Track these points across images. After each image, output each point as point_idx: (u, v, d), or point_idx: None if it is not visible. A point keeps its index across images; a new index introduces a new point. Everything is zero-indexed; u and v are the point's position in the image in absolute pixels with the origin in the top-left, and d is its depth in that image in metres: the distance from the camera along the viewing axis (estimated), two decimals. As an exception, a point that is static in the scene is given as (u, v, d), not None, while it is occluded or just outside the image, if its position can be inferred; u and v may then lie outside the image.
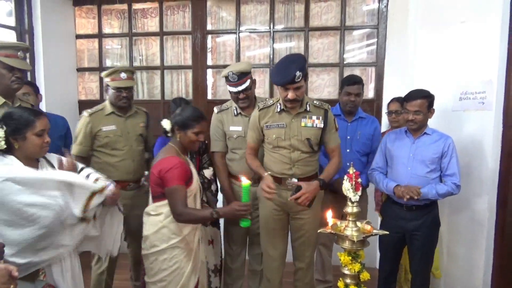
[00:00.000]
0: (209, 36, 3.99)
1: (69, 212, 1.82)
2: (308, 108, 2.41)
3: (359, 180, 1.79)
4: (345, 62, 3.77)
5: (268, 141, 2.45)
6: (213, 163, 2.76)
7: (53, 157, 2.01)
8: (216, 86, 4.12)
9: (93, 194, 1.88)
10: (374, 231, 1.81)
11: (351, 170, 1.80)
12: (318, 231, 1.89)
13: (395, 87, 3.43)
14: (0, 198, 1.66)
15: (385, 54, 3.62)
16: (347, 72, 3.68)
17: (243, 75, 2.58)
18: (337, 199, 2.62)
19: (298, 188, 2.29)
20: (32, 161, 1.86)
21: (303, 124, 2.40)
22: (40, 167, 1.90)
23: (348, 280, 1.78)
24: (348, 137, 2.88)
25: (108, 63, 4.18)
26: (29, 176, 1.73)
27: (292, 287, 2.70)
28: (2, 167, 1.74)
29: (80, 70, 4.19)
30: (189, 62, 4.02)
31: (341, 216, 1.94)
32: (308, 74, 2.36)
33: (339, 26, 3.72)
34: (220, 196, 2.83)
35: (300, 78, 2.23)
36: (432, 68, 3.08)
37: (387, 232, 1.87)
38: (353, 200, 1.77)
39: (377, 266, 2.81)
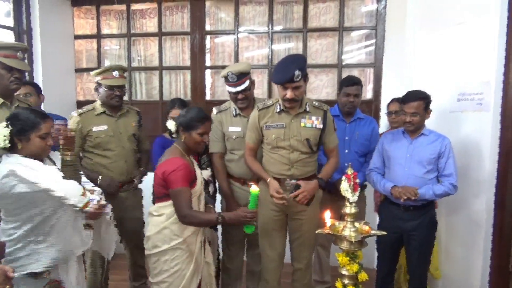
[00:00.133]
0: (208, 37, 3.99)
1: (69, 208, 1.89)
2: (307, 109, 2.42)
3: (357, 180, 1.80)
4: (343, 63, 3.78)
5: (268, 141, 2.45)
6: (212, 164, 2.75)
7: (57, 156, 2.08)
8: (215, 87, 4.12)
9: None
10: (372, 231, 1.81)
11: (350, 171, 1.80)
12: (316, 231, 1.89)
13: (393, 88, 3.44)
14: (5, 192, 1.76)
15: (383, 55, 3.63)
16: (345, 73, 3.69)
17: (242, 76, 2.58)
18: (335, 200, 2.63)
19: (297, 186, 2.34)
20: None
21: (302, 124, 2.41)
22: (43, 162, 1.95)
23: (346, 281, 1.79)
24: (347, 138, 2.89)
25: (106, 63, 4.17)
26: (28, 180, 1.78)
27: (290, 288, 2.71)
28: (6, 166, 1.79)
29: (79, 70, 4.19)
30: (187, 62, 4.02)
31: (340, 216, 1.95)
32: (308, 75, 2.37)
33: (338, 27, 3.73)
34: (218, 196, 2.83)
35: (299, 77, 2.24)
36: (430, 69, 3.09)
37: (385, 233, 1.88)
38: (351, 201, 1.78)
39: (375, 267, 2.81)
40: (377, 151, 2.70)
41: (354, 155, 2.87)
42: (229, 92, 2.67)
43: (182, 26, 4.02)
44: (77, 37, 4.15)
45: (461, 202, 2.82)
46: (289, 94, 2.27)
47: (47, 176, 1.83)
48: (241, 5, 3.89)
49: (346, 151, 2.86)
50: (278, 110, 2.42)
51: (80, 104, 4.11)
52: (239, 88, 2.59)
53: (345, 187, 1.79)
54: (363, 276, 1.77)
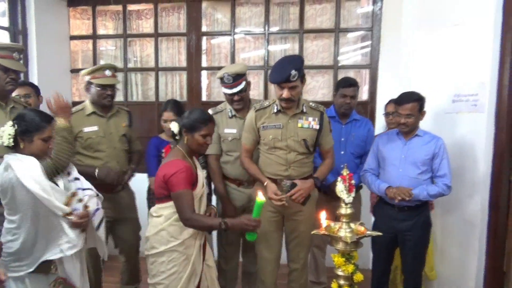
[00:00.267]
0: (204, 38, 3.99)
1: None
2: (304, 110, 2.43)
3: (353, 181, 1.81)
4: (339, 64, 3.79)
5: (265, 141, 2.45)
6: (207, 165, 2.75)
7: None
8: (211, 88, 4.12)
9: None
10: (368, 232, 1.82)
11: (345, 172, 1.81)
12: (312, 232, 1.90)
13: (389, 89, 3.45)
14: (6, 185, 1.83)
15: (379, 56, 3.64)
16: (341, 74, 3.70)
17: (238, 77, 2.58)
18: (331, 201, 2.64)
19: (293, 185, 2.35)
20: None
21: (299, 125, 2.42)
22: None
23: (341, 282, 1.79)
24: (343, 139, 2.90)
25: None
26: (16, 174, 1.83)
27: (286, 289, 2.71)
28: (6, 160, 1.88)
29: (74, 71, 4.17)
30: (183, 63, 4.02)
31: (335, 217, 1.95)
32: (305, 75, 2.38)
33: (334, 28, 3.74)
34: (213, 198, 2.83)
35: (296, 77, 2.26)
36: (426, 71, 3.11)
37: (381, 233, 1.89)
38: (346, 202, 1.78)
39: (370, 267, 2.82)
40: (372, 152, 2.71)
41: (350, 156, 2.88)
42: (225, 94, 2.67)
43: (178, 27, 4.02)
44: (72, 37, 4.13)
45: (456, 203, 2.84)
46: (285, 93, 2.29)
47: (35, 178, 1.84)
48: (238, 6, 3.89)
49: (342, 152, 2.87)
50: (275, 110, 2.43)
51: (75, 105, 4.07)
52: (235, 90, 2.59)
53: (340, 188, 1.79)
54: (358, 276, 1.78)
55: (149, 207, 2.89)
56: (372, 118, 3.62)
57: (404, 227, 2.51)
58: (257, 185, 2.53)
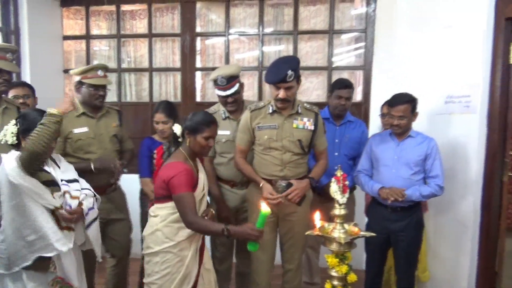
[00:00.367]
0: (198, 39, 3.98)
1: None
2: (299, 110, 2.44)
3: (347, 182, 1.82)
4: (333, 66, 3.80)
5: (260, 142, 2.45)
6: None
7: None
8: (205, 89, 4.12)
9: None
10: (361, 233, 1.83)
11: (339, 173, 1.82)
12: (306, 233, 1.90)
13: (382, 90, 3.46)
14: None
15: (372, 57, 3.66)
16: (335, 76, 3.71)
17: (232, 79, 2.58)
18: (325, 202, 2.64)
19: (289, 185, 2.36)
20: None
21: (294, 125, 2.42)
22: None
23: (335, 282, 1.79)
24: (337, 141, 2.90)
25: (96, 64, 4.15)
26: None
27: (280, 290, 2.71)
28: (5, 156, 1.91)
29: (67, 71, 4.14)
30: (177, 64, 4.01)
31: (329, 218, 1.96)
32: (301, 76, 2.39)
33: (328, 29, 3.75)
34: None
35: (292, 78, 2.27)
36: (419, 72, 3.13)
37: (374, 234, 1.90)
38: (340, 202, 1.79)
39: (364, 268, 2.83)
40: (365, 152, 2.72)
41: (344, 158, 2.89)
42: (219, 96, 2.66)
43: (172, 27, 4.01)
44: (66, 37, 4.11)
45: (449, 204, 2.86)
46: (281, 94, 2.30)
47: (9, 171, 1.84)
48: (232, 7, 3.89)
49: (336, 153, 2.87)
50: (270, 111, 2.44)
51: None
52: (228, 92, 2.58)
53: (334, 189, 1.80)
54: (352, 277, 1.78)
55: (142, 208, 2.89)
56: (366, 119, 3.63)
57: (397, 228, 2.52)
58: (252, 187, 2.53)
